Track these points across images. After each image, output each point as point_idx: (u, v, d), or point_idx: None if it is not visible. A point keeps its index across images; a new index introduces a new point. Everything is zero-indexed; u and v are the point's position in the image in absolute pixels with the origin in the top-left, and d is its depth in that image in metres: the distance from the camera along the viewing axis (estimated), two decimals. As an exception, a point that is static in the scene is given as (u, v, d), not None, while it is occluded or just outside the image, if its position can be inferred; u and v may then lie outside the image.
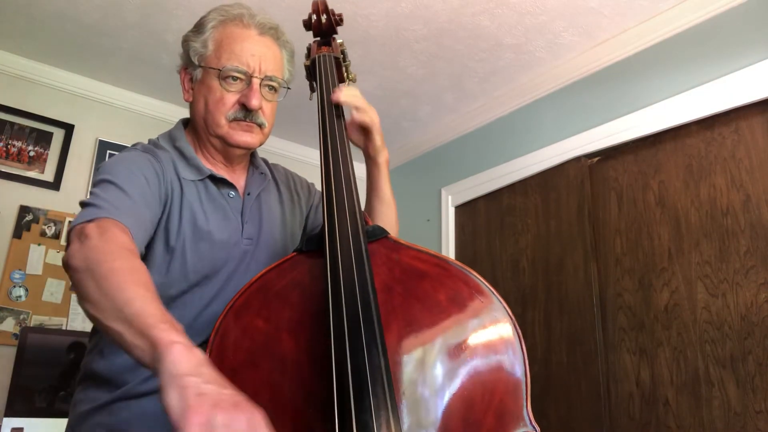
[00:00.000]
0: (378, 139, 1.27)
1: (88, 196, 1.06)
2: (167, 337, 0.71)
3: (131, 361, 1.08)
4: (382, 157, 1.30)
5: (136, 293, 0.80)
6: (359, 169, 1.21)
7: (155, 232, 1.14)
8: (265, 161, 1.44)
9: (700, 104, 2.28)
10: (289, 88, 1.31)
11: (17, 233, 2.82)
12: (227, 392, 0.67)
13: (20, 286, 2.77)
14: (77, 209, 3.13)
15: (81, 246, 0.90)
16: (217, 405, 0.63)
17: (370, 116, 1.23)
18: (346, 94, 1.21)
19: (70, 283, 0.95)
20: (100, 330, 0.85)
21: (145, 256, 1.13)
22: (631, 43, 2.59)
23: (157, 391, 1.06)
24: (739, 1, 2.23)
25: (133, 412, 1.07)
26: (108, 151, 3.15)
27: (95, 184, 1.09)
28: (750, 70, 2.15)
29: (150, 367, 0.72)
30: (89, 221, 0.96)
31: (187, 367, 0.68)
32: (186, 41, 1.27)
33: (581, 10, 2.47)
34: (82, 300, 0.86)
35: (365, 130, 1.25)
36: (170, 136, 1.29)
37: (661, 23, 2.47)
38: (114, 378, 1.10)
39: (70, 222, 2.93)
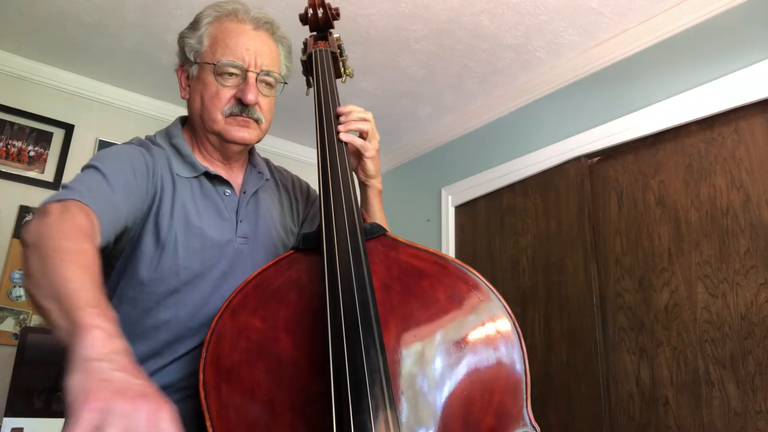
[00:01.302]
0: (370, 166, 1.25)
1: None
2: (89, 320, 0.68)
3: None
4: (373, 186, 1.29)
5: (74, 275, 0.78)
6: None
7: (144, 226, 1.13)
8: (267, 162, 1.43)
9: (700, 104, 2.28)
10: (285, 83, 1.30)
11: (17, 233, 2.82)
12: (137, 382, 0.64)
13: (20, 286, 2.77)
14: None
15: (38, 222, 0.88)
16: (120, 393, 0.60)
17: (362, 142, 1.23)
18: (354, 117, 1.21)
19: None
20: (34, 307, 0.81)
21: (135, 251, 1.12)
22: (631, 43, 2.58)
23: None
24: (739, 1, 2.23)
25: None
26: (108, 151, 3.14)
27: (82, 169, 1.09)
28: (750, 70, 2.14)
29: (67, 349, 0.68)
30: (57, 201, 0.94)
31: (99, 352, 0.65)
32: (182, 38, 1.27)
33: (581, 10, 2.46)
34: (25, 275, 0.84)
35: (359, 154, 1.24)
36: (167, 133, 1.28)
37: (661, 23, 2.47)
38: None
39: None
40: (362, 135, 1.24)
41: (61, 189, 1.00)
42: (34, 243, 0.85)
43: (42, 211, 0.92)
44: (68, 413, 0.58)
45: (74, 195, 0.96)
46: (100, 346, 0.65)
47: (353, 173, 1.17)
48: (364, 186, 1.29)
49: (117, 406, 0.58)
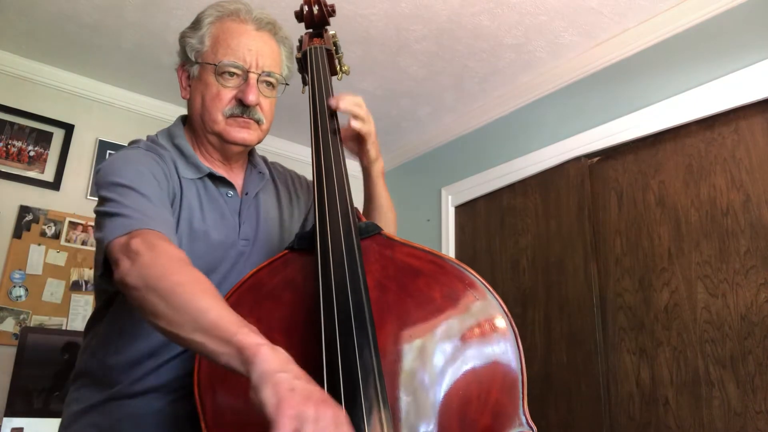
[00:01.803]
0: (372, 150, 1.24)
1: (102, 202, 1.04)
2: (251, 340, 0.75)
3: (124, 361, 1.08)
4: (377, 168, 1.29)
5: (207, 303, 0.82)
6: (352, 165, 1.19)
7: None
8: (264, 159, 1.42)
9: (700, 104, 2.27)
10: (287, 84, 1.30)
11: (17, 233, 2.82)
12: (315, 388, 0.71)
13: (20, 286, 2.77)
14: (77, 209, 3.10)
15: (133, 264, 0.90)
16: (308, 399, 0.68)
17: (367, 127, 1.21)
18: (347, 101, 1.19)
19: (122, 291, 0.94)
20: (175, 342, 0.87)
21: None
22: (631, 43, 2.58)
23: (148, 392, 1.07)
24: (739, 1, 2.23)
25: (126, 412, 1.07)
26: (108, 151, 3.15)
27: (107, 187, 1.06)
28: (750, 70, 2.14)
29: (240, 371, 0.75)
30: (128, 234, 0.94)
31: (275, 366, 0.72)
32: (183, 38, 1.26)
33: (581, 10, 2.46)
34: (150, 316, 0.87)
35: (360, 140, 1.23)
36: (169, 133, 1.27)
37: (661, 23, 2.46)
38: (107, 378, 1.09)
39: (70, 222, 2.93)
40: (361, 119, 1.22)
41: (111, 218, 0.99)
42: (145, 285, 0.87)
43: (124, 250, 0.93)
44: (269, 422, 0.66)
45: (138, 224, 0.97)
46: (274, 361, 0.73)
47: (347, 172, 1.16)
48: (368, 170, 1.28)
49: (309, 412, 0.66)
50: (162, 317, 0.85)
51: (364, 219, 1.08)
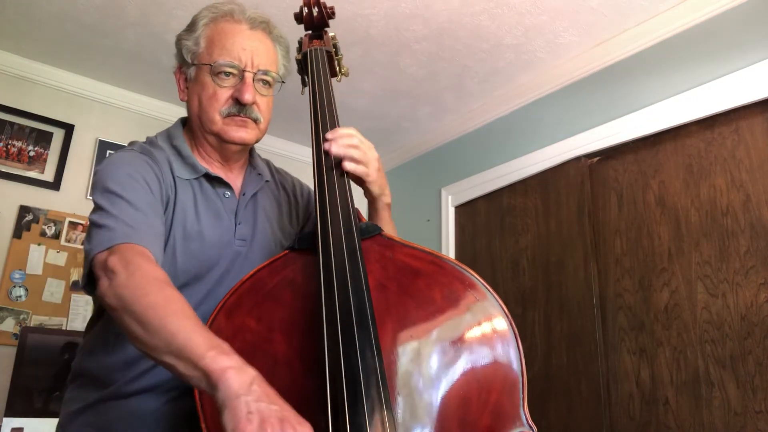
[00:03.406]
0: (374, 187, 1.19)
1: (94, 210, 1.06)
2: (217, 365, 0.77)
3: (120, 360, 1.08)
4: (381, 203, 1.24)
5: (177, 325, 0.83)
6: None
7: None
8: (269, 163, 1.43)
9: (700, 104, 2.27)
10: (283, 82, 1.30)
11: (17, 233, 2.82)
12: (274, 408, 0.73)
13: (20, 286, 2.77)
14: (77, 209, 3.10)
15: (110, 284, 0.92)
16: (265, 422, 0.70)
17: (363, 169, 1.15)
18: (338, 145, 1.12)
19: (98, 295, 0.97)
20: (155, 362, 0.89)
21: None
22: (631, 43, 2.58)
23: (144, 391, 1.07)
24: (739, 1, 2.23)
25: (122, 411, 1.07)
26: (108, 151, 3.15)
27: (99, 192, 1.08)
28: (750, 70, 2.14)
29: (210, 394, 0.77)
30: (109, 250, 0.96)
31: (238, 389, 0.74)
32: (179, 40, 1.27)
33: (581, 10, 2.46)
34: (128, 336, 0.90)
35: (360, 180, 1.18)
36: (168, 134, 1.28)
37: (661, 23, 2.46)
38: (103, 377, 1.09)
39: (70, 222, 2.93)
40: (356, 161, 1.15)
41: (97, 229, 1.01)
42: (122, 306, 0.89)
43: (103, 267, 0.95)
44: None
45: (120, 238, 0.98)
46: (237, 384, 0.74)
47: (348, 174, 1.16)
48: (372, 203, 1.25)
49: None
50: (136, 339, 0.87)
51: (364, 219, 1.08)
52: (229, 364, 0.77)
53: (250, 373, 0.77)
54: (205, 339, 0.81)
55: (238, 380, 0.75)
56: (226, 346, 0.81)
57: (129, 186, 1.08)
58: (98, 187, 1.09)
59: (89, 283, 1.01)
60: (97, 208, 1.06)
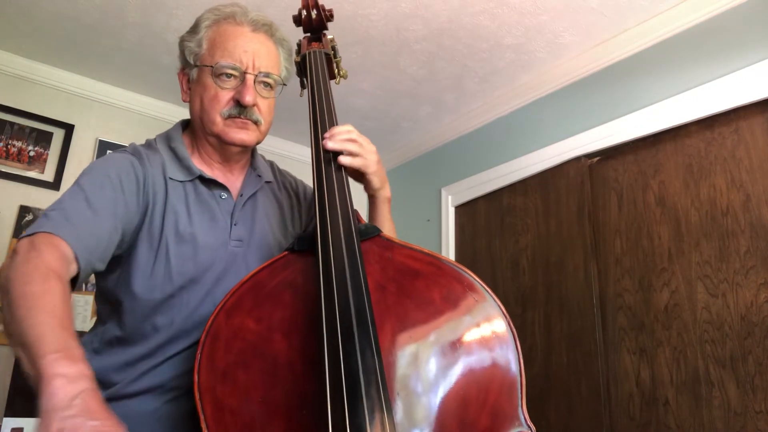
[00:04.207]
0: (374, 180, 1.21)
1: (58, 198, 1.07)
2: (50, 370, 0.73)
3: (120, 361, 1.09)
4: (381, 196, 1.26)
5: (37, 320, 0.80)
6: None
7: (138, 237, 1.13)
8: (272, 164, 1.43)
9: (700, 104, 2.27)
10: (285, 84, 1.30)
11: (17, 233, 2.83)
12: (90, 424, 0.69)
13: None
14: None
15: (9, 264, 0.91)
16: None
17: (361, 161, 1.17)
18: (336, 140, 1.14)
19: None
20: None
21: (130, 260, 1.12)
22: (631, 43, 2.58)
23: (143, 392, 1.08)
24: (739, 1, 2.23)
25: (121, 412, 1.06)
26: (108, 151, 3.14)
27: (72, 184, 1.10)
28: (750, 70, 2.14)
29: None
30: (31, 235, 0.95)
31: (58, 401, 0.70)
32: (182, 42, 1.27)
33: (581, 10, 2.46)
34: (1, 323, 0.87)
35: (358, 172, 1.20)
36: (167, 136, 1.29)
37: (661, 23, 2.46)
38: (103, 378, 1.09)
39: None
40: (356, 155, 1.17)
41: (41, 216, 1.01)
42: (4, 288, 0.87)
43: (14, 249, 0.93)
44: None
45: (49, 227, 0.97)
46: (61, 395, 0.70)
47: (347, 175, 1.16)
48: (372, 198, 1.27)
49: None
50: (4, 322, 0.85)
51: (363, 221, 1.08)
52: (63, 371, 0.73)
53: (82, 385, 0.73)
54: (58, 340, 0.78)
55: (63, 391, 0.71)
56: (76, 351, 0.78)
57: (98, 183, 1.09)
58: (75, 180, 1.11)
59: None
60: (59, 198, 1.07)
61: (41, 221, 0.99)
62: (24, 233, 0.97)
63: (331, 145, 1.13)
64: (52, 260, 0.92)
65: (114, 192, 1.10)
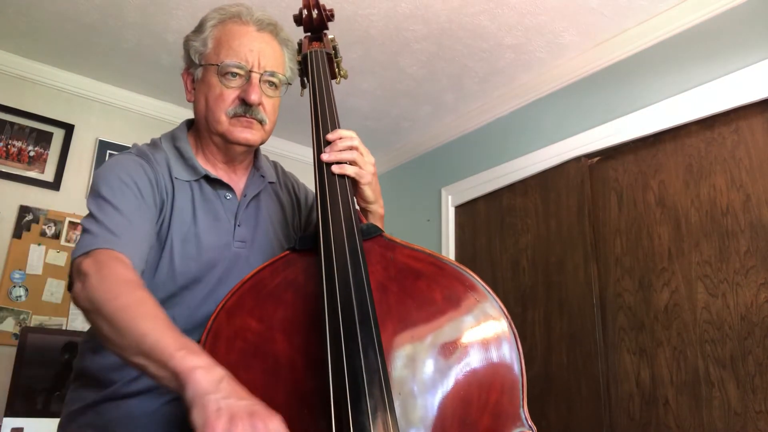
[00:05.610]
0: (368, 191, 1.19)
1: (86, 216, 1.08)
2: (185, 364, 0.78)
3: (118, 360, 1.08)
4: (375, 212, 1.24)
5: (146, 326, 0.85)
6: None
7: None
8: (276, 165, 1.43)
9: (700, 104, 2.27)
10: (290, 84, 1.30)
11: (17, 233, 2.83)
12: (243, 403, 0.74)
13: (20, 286, 2.77)
14: (77, 209, 3.10)
15: (83, 287, 0.93)
16: (235, 416, 0.71)
17: (355, 170, 1.15)
18: (333, 150, 1.13)
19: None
20: (126, 364, 0.90)
21: None
22: (631, 43, 2.58)
23: (143, 392, 1.07)
24: (739, 1, 2.23)
25: (121, 412, 1.07)
26: (108, 151, 3.15)
27: (91, 198, 1.10)
28: (750, 70, 2.14)
29: (180, 394, 0.77)
30: (87, 254, 0.98)
31: (206, 387, 0.75)
32: (187, 41, 1.28)
33: (581, 10, 2.46)
34: (101, 338, 0.91)
35: (354, 182, 1.17)
36: (172, 135, 1.29)
37: (661, 23, 2.46)
38: (102, 377, 1.10)
39: (70, 222, 2.93)
40: (353, 163, 1.16)
41: (82, 235, 1.04)
42: (93, 309, 0.91)
43: (77, 271, 0.97)
44: None
45: (100, 243, 1.00)
46: (206, 382, 0.76)
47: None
48: (364, 212, 1.25)
49: (237, 429, 0.70)
50: (109, 340, 0.89)
51: (365, 221, 1.08)
52: (197, 363, 0.78)
53: (219, 371, 0.78)
54: (174, 339, 0.82)
55: (207, 379, 0.76)
56: (195, 346, 0.83)
57: (118, 191, 1.09)
58: (92, 192, 1.12)
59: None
60: (88, 213, 1.08)
61: (89, 240, 1.01)
62: (76, 254, 0.99)
63: (326, 158, 1.13)
64: (125, 272, 0.96)
65: (137, 199, 1.11)
